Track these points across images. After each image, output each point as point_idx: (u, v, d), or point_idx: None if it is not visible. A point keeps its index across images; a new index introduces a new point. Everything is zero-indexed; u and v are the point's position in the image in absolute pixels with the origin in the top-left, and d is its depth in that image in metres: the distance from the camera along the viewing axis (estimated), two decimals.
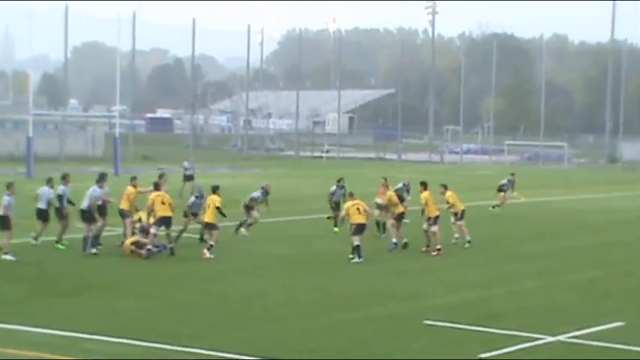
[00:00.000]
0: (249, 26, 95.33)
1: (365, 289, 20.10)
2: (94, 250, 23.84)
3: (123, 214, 25.23)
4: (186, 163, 43.06)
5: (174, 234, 24.97)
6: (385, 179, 29.51)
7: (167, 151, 79.18)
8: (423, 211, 25.84)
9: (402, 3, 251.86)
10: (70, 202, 25.21)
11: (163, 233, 24.23)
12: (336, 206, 29.61)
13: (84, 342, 14.84)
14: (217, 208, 23.90)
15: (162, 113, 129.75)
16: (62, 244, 24.82)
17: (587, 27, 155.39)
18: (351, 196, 24.84)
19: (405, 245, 25.85)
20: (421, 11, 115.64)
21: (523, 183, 39.93)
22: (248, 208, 28.31)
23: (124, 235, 24.89)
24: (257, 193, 28.70)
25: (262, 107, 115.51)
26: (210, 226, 24.07)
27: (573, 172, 79.62)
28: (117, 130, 62.19)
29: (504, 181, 38.02)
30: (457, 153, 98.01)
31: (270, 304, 18.27)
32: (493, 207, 37.72)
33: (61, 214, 25.05)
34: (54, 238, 25.00)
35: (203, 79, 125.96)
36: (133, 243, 23.90)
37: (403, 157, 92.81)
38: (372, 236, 26.84)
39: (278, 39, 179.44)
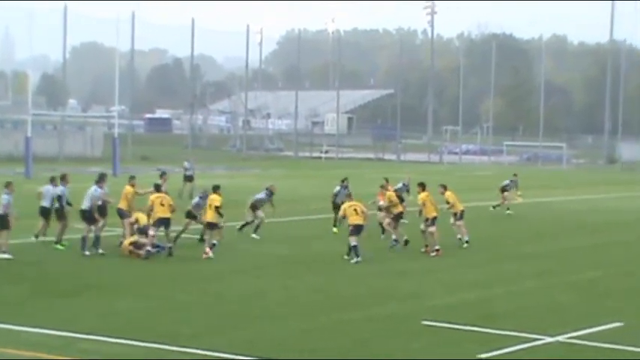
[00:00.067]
0: (248, 26, 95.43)
1: (364, 289, 20.08)
2: (100, 251, 23.88)
3: (121, 214, 25.25)
4: (186, 164, 43.03)
5: (173, 234, 24.96)
6: (387, 181, 29.51)
7: (166, 151, 79.20)
8: (420, 212, 25.86)
9: (401, 3, 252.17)
10: (68, 202, 25.23)
11: (162, 234, 24.21)
12: (339, 207, 29.53)
13: (81, 342, 14.82)
14: (216, 207, 23.87)
15: (161, 113, 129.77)
16: (61, 245, 24.81)
17: (587, 27, 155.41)
18: (349, 197, 25.16)
19: (406, 242, 25.85)
20: (420, 11, 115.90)
21: (522, 183, 39.90)
22: (254, 208, 28.20)
23: (124, 235, 24.90)
24: (262, 195, 28.54)
25: (261, 107, 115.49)
26: (211, 226, 24.03)
27: (572, 172, 79.65)
28: (116, 131, 62.21)
29: (507, 181, 38.02)
30: (456, 153, 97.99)
31: (270, 305, 18.25)
32: (494, 207, 37.71)
33: (61, 214, 25.08)
34: (53, 238, 25.00)
35: (202, 80, 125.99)
36: (131, 243, 23.88)
37: (402, 157, 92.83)
38: (373, 237, 26.83)
39: (277, 39, 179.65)
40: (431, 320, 16.80)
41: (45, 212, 25.33)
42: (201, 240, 25.47)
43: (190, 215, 25.94)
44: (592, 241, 30.47)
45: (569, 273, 23.25)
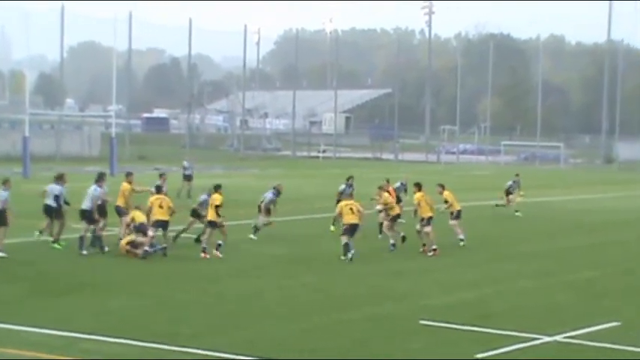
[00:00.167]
0: (245, 26, 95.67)
1: (363, 289, 20.13)
2: (106, 248, 23.94)
3: (119, 211, 25.30)
4: (185, 163, 43.08)
5: (171, 234, 24.98)
6: (387, 181, 29.56)
7: (163, 150, 79.21)
8: (415, 211, 25.93)
9: (399, 3, 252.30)
10: (66, 202, 25.24)
11: (160, 234, 24.25)
12: None
13: (82, 342, 14.84)
14: (216, 206, 23.90)
15: (158, 113, 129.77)
16: (59, 244, 24.83)
17: (584, 27, 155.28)
18: (340, 195, 25.46)
19: (404, 239, 25.87)
20: (418, 11, 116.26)
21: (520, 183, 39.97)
22: (267, 211, 28.20)
23: (121, 234, 24.89)
24: (270, 194, 28.52)
25: (259, 107, 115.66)
26: (211, 224, 24.04)
27: (570, 172, 79.73)
28: (113, 130, 62.18)
29: (510, 182, 38.06)
30: (454, 153, 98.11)
31: (269, 304, 18.28)
32: (497, 205, 37.78)
33: (58, 214, 25.09)
34: (50, 238, 25.02)
35: (199, 79, 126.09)
36: (128, 243, 23.87)
37: (399, 157, 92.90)
38: (371, 237, 26.87)
39: (275, 39, 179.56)
40: (428, 320, 16.84)
41: (48, 210, 25.33)
42: (197, 240, 25.46)
43: (195, 214, 25.95)
44: (589, 240, 30.53)
45: (566, 272, 23.29)
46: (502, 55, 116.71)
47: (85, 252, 23.67)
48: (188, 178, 41.63)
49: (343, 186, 30.26)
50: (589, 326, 16.63)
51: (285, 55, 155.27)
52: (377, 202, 27.46)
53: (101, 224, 24.51)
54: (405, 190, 32.56)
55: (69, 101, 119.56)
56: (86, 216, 24.06)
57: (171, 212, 24.22)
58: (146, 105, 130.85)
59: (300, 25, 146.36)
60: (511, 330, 16.21)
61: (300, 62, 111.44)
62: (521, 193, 39.21)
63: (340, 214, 24.49)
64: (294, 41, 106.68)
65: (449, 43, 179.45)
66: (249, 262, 23.58)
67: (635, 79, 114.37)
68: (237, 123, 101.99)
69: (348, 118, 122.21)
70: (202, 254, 23.74)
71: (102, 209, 24.74)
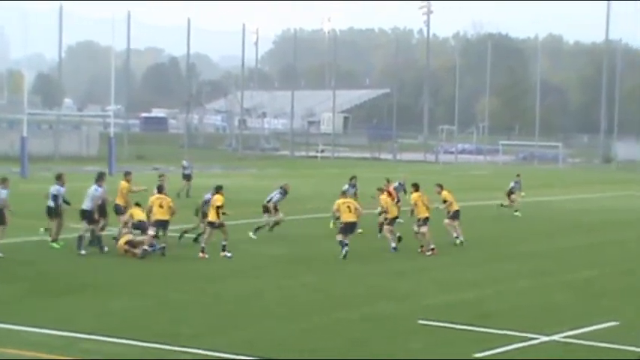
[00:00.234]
0: (244, 26, 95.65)
1: (363, 288, 20.16)
2: (106, 248, 23.94)
3: (118, 210, 25.32)
4: (184, 163, 43.11)
5: (170, 234, 25.01)
6: (388, 181, 29.58)
7: (162, 150, 79.19)
8: (412, 212, 25.99)
9: (397, 3, 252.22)
10: (66, 201, 25.25)
11: (161, 233, 24.27)
12: None
13: (82, 342, 14.86)
14: (217, 207, 23.92)
15: (156, 113, 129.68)
16: (57, 244, 24.84)
17: (582, 27, 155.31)
18: (343, 194, 25.67)
19: (400, 239, 25.91)
20: (416, 11, 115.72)
21: None
22: (275, 209, 28.27)
23: (119, 233, 24.90)
24: (277, 194, 28.55)
25: (257, 107, 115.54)
26: (212, 225, 24.06)
27: (568, 171, 79.78)
28: (111, 130, 62.20)
29: (512, 183, 38.12)
30: (452, 153, 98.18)
31: (269, 304, 18.31)
32: (502, 205, 37.83)
33: (56, 213, 25.08)
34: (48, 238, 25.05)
35: (198, 79, 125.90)
36: (126, 242, 23.87)
37: (398, 157, 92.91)
38: (370, 237, 26.89)
39: (273, 38, 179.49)
40: (427, 320, 16.88)
41: (51, 211, 25.29)
42: (196, 240, 25.53)
43: (203, 214, 25.93)
44: (588, 240, 30.57)
45: (564, 272, 23.34)
46: (500, 55, 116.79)
47: (83, 252, 23.67)
48: (187, 177, 41.66)
49: (346, 186, 30.29)
50: (587, 326, 16.67)
51: (283, 55, 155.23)
52: (377, 204, 27.54)
53: (101, 224, 24.54)
54: (405, 191, 32.60)
55: (67, 101, 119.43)
56: (86, 216, 24.07)
57: (172, 212, 24.24)
58: (144, 105, 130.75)
59: (298, 24, 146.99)
60: (510, 330, 16.24)
61: (299, 62, 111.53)
62: (522, 194, 39.27)
63: (338, 211, 24.66)
64: (293, 41, 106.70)
65: (447, 42, 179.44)
66: (248, 262, 23.61)
67: (633, 79, 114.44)
68: (236, 123, 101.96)
69: (346, 118, 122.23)
70: (200, 254, 23.76)
71: (102, 209, 24.76)
